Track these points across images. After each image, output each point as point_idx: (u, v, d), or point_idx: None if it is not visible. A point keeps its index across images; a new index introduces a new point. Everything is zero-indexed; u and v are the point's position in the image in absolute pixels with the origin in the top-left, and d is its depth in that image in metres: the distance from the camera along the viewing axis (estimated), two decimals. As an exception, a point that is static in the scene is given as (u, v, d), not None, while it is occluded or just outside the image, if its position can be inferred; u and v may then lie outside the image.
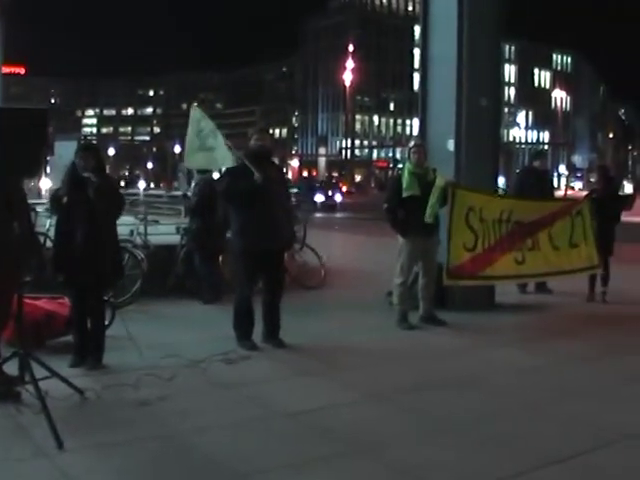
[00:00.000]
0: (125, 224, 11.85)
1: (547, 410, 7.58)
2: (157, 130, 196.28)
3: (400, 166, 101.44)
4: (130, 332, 8.98)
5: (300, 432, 6.76)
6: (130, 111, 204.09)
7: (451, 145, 12.77)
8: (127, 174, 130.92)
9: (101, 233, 8.45)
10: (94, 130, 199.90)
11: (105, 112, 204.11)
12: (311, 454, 6.21)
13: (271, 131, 12.93)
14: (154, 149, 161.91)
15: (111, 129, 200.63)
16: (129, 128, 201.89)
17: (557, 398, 7.98)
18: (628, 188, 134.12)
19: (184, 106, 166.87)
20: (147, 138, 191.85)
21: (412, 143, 11.88)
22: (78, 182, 8.36)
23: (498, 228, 11.96)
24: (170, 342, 9.75)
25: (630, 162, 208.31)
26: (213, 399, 7.60)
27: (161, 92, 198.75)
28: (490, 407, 7.63)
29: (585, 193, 15.27)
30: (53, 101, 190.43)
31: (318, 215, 41.96)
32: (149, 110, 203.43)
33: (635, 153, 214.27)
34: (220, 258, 13.09)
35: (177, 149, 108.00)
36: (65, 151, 25.33)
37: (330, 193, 63.83)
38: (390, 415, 7.33)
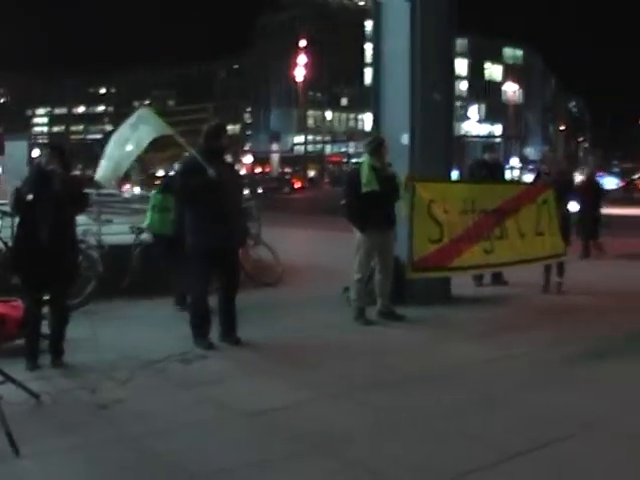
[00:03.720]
0: (79, 224, 11.71)
1: (506, 403, 7.60)
2: (109, 128, 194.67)
3: (354, 161, 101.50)
4: (95, 332, 8.92)
5: (261, 431, 6.70)
6: (82, 109, 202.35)
7: (405, 139, 12.77)
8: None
9: (65, 229, 8.41)
10: (45, 129, 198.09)
11: (56, 111, 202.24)
12: (273, 453, 6.16)
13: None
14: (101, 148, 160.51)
15: (63, 128, 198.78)
16: (81, 127, 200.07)
17: (516, 390, 8.01)
18: (579, 179, 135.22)
19: (136, 103, 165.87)
20: (99, 136, 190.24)
21: (373, 138, 11.87)
22: (43, 177, 8.31)
23: (465, 218, 11.98)
24: (127, 343, 9.68)
25: (581, 153, 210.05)
26: (171, 400, 7.53)
27: (112, 90, 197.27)
28: (450, 401, 7.62)
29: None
30: (2, 100, 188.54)
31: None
32: (101, 108, 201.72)
33: (586, 145, 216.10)
34: None
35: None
36: (16, 151, 25.07)
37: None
38: (350, 412, 7.29)
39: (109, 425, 6.76)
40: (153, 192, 12.95)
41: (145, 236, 13.43)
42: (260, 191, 60.81)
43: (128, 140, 10.04)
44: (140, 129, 9.96)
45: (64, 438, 6.41)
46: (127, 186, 34.26)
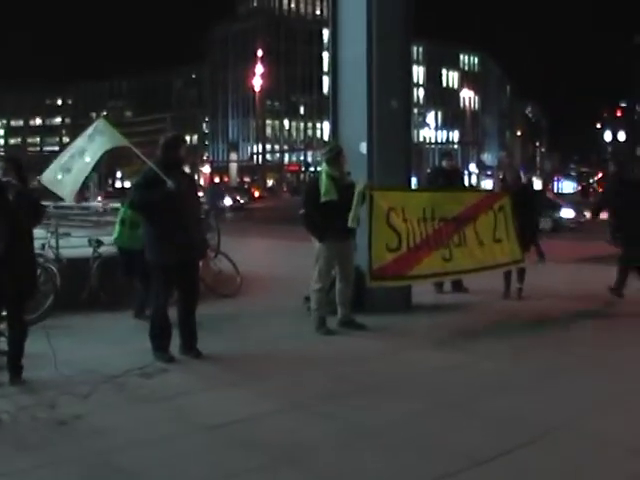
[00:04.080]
0: (36, 238, 11.58)
1: (470, 410, 7.62)
2: (66, 140, 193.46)
3: (312, 169, 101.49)
4: (53, 347, 8.82)
5: (222, 445, 6.64)
6: (38, 121, 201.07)
7: (363, 148, 12.76)
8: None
9: (22, 241, 8.32)
10: (1, 142, 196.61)
11: (12, 123, 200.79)
12: (235, 467, 6.11)
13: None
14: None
15: (19, 140, 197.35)
16: (38, 139, 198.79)
17: (478, 397, 8.03)
18: (537, 184, 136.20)
19: (93, 115, 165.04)
20: (56, 148, 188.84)
21: (331, 147, 11.85)
22: None
23: (424, 226, 11.98)
24: (86, 357, 9.57)
25: (538, 158, 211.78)
26: (132, 415, 7.44)
27: (69, 101, 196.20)
28: (413, 409, 7.62)
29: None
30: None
31: (230, 220, 42.09)
32: (58, 120, 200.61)
33: (543, 149, 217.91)
34: None
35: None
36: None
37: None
38: (314, 423, 7.26)
39: (70, 442, 6.66)
40: (122, 206, 12.67)
41: (104, 249, 13.32)
42: (227, 203, 60.03)
43: (85, 151, 9.92)
44: (96, 140, 9.86)
45: (25, 457, 6.32)
46: (87, 198, 33.98)
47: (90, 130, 9.96)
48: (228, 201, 61.21)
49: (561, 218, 37.05)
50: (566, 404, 7.77)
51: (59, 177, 9.89)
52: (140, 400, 7.93)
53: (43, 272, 11.98)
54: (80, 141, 10.01)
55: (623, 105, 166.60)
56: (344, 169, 11.39)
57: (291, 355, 10.00)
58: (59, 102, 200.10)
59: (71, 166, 9.89)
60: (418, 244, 11.87)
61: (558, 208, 37.69)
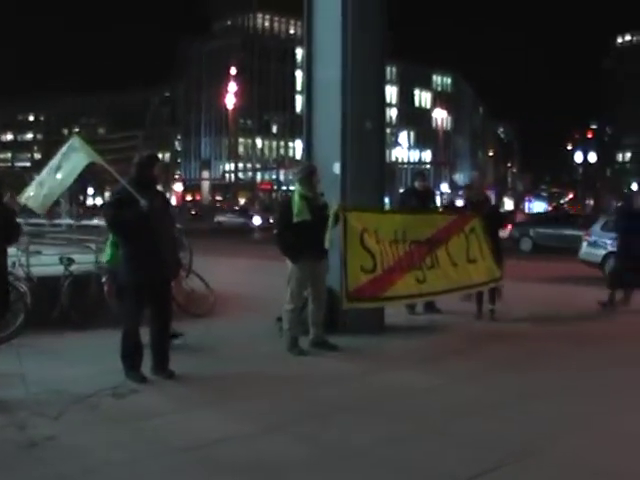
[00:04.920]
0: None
1: (442, 432, 7.63)
2: (38, 156, 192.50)
3: (284, 189, 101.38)
4: (23, 366, 8.74)
5: (195, 467, 6.60)
6: (10, 137, 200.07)
7: (337, 168, 12.76)
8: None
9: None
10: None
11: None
12: (207, 490, 6.06)
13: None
14: (35, 176, 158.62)
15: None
16: (9, 154, 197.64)
17: (452, 419, 8.03)
18: (509, 204, 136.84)
19: (65, 131, 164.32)
20: (28, 164, 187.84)
21: (303, 167, 11.85)
22: None
23: (396, 248, 12.03)
24: (57, 377, 9.46)
25: (510, 178, 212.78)
26: (103, 436, 7.36)
27: (42, 117, 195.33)
28: (386, 431, 7.60)
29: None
30: None
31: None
32: (29, 136, 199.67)
33: (514, 170, 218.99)
34: None
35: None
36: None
37: None
38: (286, 444, 7.22)
39: (39, 464, 6.58)
40: None
41: (75, 267, 13.24)
42: (257, 223, 59.14)
43: (59, 168, 9.88)
44: (71, 158, 9.82)
45: (-6, 479, 6.24)
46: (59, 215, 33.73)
47: (64, 148, 9.92)
48: (257, 220, 60.44)
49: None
50: (537, 426, 7.79)
51: (32, 193, 9.89)
52: (112, 421, 7.85)
53: (13, 291, 11.88)
54: (55, 159, 9.99)
55: (594, 127, 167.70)
56: (317, 189, 11.38)
57: (264, 376, 9.96)
58: (31, 118, 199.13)
59: (44, 181, 9.88)
60: (392, 266, 11.90)
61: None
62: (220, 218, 68.92)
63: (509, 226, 37.29)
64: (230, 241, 44.71)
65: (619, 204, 18.43)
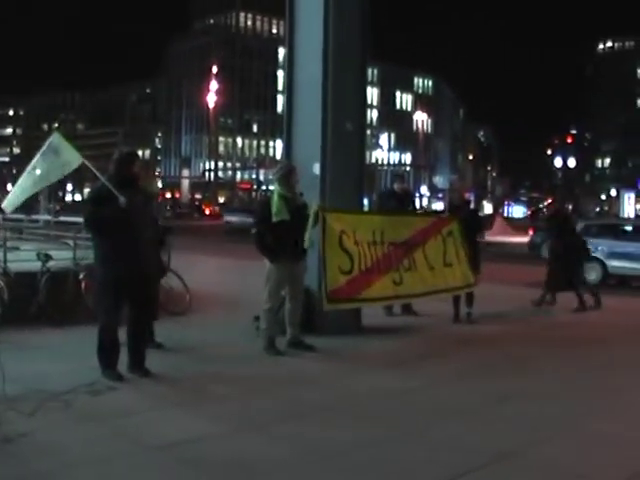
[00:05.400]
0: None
1: (420, 434, 7.63)
2: (17, 151, 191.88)
3: (264, 188, 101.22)
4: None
5: (171, 466, 6.59)
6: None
7: (317, 169, 12.77)
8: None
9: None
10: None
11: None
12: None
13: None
14: (14, 171, 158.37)
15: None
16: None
17: (429, 422, 8.05)
18: (488, 208, 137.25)
19: (45, 126, 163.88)
20: (7, 159, 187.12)
21: (282, 166, 11.85)
22: None
23: (374, 250, 12.08)
24: (32, 374, 9.41)
25: (489, 182, 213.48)
26: (78, 434, 7.33)
27: (21, 112, 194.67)
28: (362, 433, 7.62)
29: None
30: None
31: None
32: (9, 131, 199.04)
33: (494, 174, 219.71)
34: None
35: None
36: None
37: None
38: (263, 444, 7.21)
39: (13, 461, 6.56)
40: None
41: (53, 263, 13.20)
42: None
43: (36, 167, 9.84)
44: (50, 158, 9.77)
45: (-33, 475, 6.22)
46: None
47: (45, 147, 9.88)
48: None
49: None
50: (516, 429, 7.82)
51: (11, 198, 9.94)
52: (87, 418, 7.82)
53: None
54: (35, 158, 9.95)
55: (573, 132, 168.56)
56: (295, 189, 11.38)
57: (240, 375, 9.95)
58: (10, 113, 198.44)
59: (23, 182, 9.86)
60: (369, 267, 11.95)
61: None
62: (230, 218, 65.40)
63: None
64: (206, 239, 44.63)
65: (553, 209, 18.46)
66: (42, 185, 10.25)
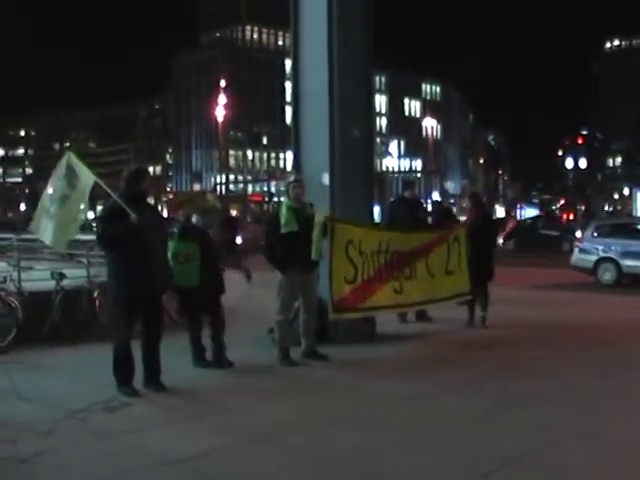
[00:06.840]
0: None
1: (434, 441, 7.61)
2: (29, 171, 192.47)
3: (276, 200, 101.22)
4: (14, 381, 8.72)
5: (186, 479, 6.59)
6: (1, 152, 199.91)
7: (326, 179, 12.79)
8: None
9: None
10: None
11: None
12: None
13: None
14: (26, 191, 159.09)
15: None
16: (0, 170, 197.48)
17: (443, 429, 8.03)
18: (500, 211, 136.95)
19: (56, 146, 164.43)
20: (19, 180, 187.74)
21: (291, 178, 11.86)
22: None
23: (377, 259, 12.07)
24: (48, 392, 9.44)
25: (501, 186, 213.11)
26: (94, 451, 7.35)
27: (32, 132, 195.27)
28: (373, 441, 7.62)
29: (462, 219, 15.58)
30: None
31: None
32: (20, 151, 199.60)
33: (505, 177, 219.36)
34: None
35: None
36: None
37: None
38: (276, 456, 7.22)
39: None
40: (170, 241, 11.02)
41: (66, 282, 13.23)
42: None
43: (67, 197, 9.91)
44: (76, 186, 9.84)
45: (-16, 495, 6.24)
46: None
47: (62, 169, 9.93)
48: None
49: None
50: (523, 436, 7.75)
51: (42, 224, 10.04)
52: (103, 435, 7.84)
53: (5, 306, 11.91)
54: (56, 182, 10.00)
55: (584, 133, 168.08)
56: (302, 199, 11.39)
57: (255, 387, 9.97)
58: (22, 133, 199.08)
59: (56, 212, 9.93)
60: (371, 276, 11.96)
61: None
62: None
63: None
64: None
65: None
66: (84, 215, 10.40)
